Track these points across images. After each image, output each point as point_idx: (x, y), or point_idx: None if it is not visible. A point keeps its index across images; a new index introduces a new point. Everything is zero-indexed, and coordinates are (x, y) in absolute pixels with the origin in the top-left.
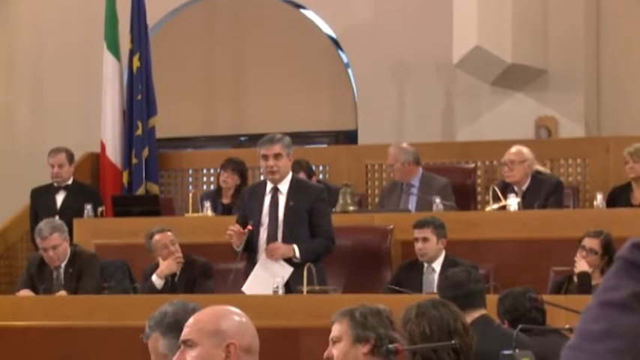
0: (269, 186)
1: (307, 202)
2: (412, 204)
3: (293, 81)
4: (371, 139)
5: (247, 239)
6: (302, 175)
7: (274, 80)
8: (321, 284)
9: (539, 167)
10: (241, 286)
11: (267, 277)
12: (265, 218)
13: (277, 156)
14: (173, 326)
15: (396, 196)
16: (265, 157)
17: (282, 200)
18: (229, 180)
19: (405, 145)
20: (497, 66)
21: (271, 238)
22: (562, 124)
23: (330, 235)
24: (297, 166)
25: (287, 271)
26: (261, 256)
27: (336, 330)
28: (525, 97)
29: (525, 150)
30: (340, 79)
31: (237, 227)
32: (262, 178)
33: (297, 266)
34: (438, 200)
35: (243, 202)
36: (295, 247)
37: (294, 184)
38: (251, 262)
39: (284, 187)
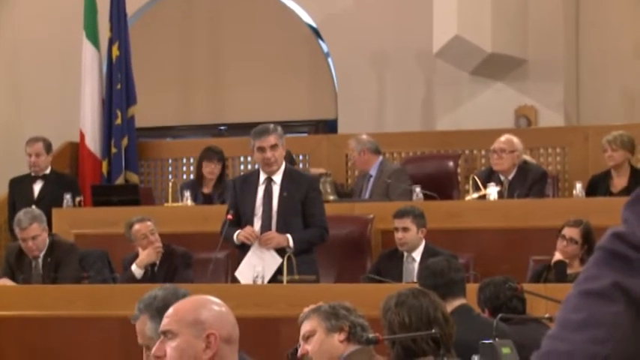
0: (262, 176)
1: (301, 192)
2: (367, 192)
3: (273, 70)
4: (351, 128)
5: (238, 228)
6: None
7: (254, 69)
8: (313, 274)
9: (526, 157)
10: (221, 276)
11: (258, 265)
12: (259, 209)
13: (274, 147)
14: (161, 310)
15: (359, 188)
16: (262, 149)
17: (276, 191)
18: (216, 170)
19: (364, 136)
20: (477, 55)
21: (265, 228)
22: (542, 113)
23: (324, 225)
24: None
25: (276, 261)
26: (255, 245)
27: (307, 325)
28: (505, 86)
29: (516, 140)
30: (320, 69)
31: (251, 229)
32: (245, 168)
33: (283, 256)
34: (418, 189)
35: (235, 192)
36: (289, 236)
37: (287, 174)
38: (243, 252)
39: (278, 177)
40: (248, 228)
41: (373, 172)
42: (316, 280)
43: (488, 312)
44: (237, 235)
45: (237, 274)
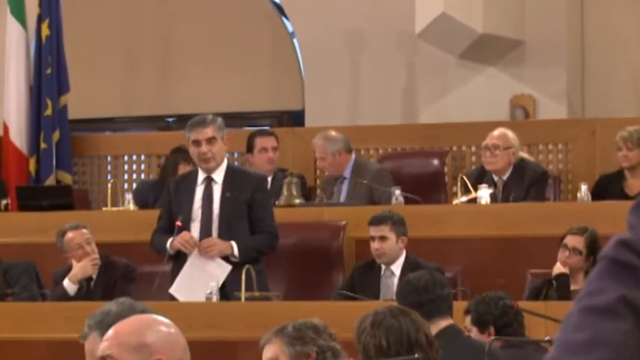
0: (201, 176)
1: (246, 193)
2: (342, 196)
3: (229, 53)
4: (320, 120)
5: (171, 235)
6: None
7: (207, 52)
8: (260, 289)
9: (523, 155)
10: (168, 292)
11: (199, 278)
12: (198, 212)
13: (211, 140)
14: None
15: (329, 193)
16: (197, 142)
17: (217, 191)
18: None
19: (332, 132)
20: (466, 36)
21: (205, 234)
22: (541, 103)
23: (273, 231)
24: None
25: (224, 270)
26: (192, 254)
27: (269, 352)
28: (499, 72)
29: (511, 134)
30: (284, 52)
31: (188, 235)
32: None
33: (234, 268)
34: (398, 192)
35: (170, 195)
36: (233, 244)
37: (230, 173)
38: (178, 265)
39: (219, 176)
40: (185, 234)
41: (347, 173)
42: (278, 296)
43: (494, 330)
44: (172, 242)
45: (173, 290)
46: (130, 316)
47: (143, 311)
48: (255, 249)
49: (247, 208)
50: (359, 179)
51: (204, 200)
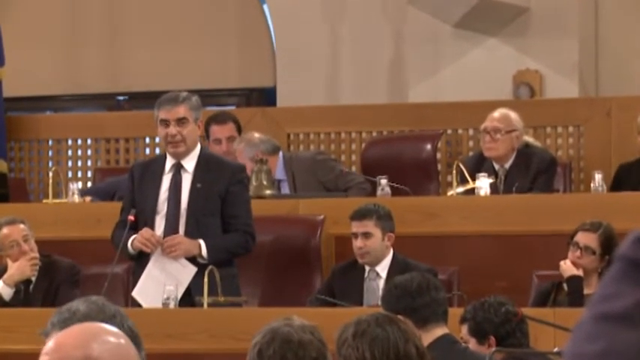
0: (169, 162)
1: (220, 185)
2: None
3: (189, 21)
4: (294, 99)
5: (135, 232)
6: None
7: (163, 21)
8: (233, 295)
9: (528, 139)
10: (119, 297)
11: (161, 281)
12: (163, 205)
13: (182, 121)
14: None
15: None
16: (165, 122)
17: (186, 181)
18: None
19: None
20: (463, 2)
21: (170, 231)
22: (549, 79)
23: (249, 230)
24: None
25: (189, 272)
26: (156, 253)
27: None
28: (500, 43)
29: (513, 115)
30: (253, 21)
31: (149, 233)
32: (151, 153)
33: (202, 270)
34: (384, 182)
35: (133, 183)
36: (202, 242)
37: (203, 160)
38: (141, 264)
39: (190, 163)
40: (145, 231)
41: (280, 175)
42: (246, 301)
43: (495, 341)
44: (133, 241)
45: (136, 294)
46: (100, 316)
47: (115, 315)
48: (227, 250)
49: (221, 203)
50: (300, 175)
51: (171, 191)
